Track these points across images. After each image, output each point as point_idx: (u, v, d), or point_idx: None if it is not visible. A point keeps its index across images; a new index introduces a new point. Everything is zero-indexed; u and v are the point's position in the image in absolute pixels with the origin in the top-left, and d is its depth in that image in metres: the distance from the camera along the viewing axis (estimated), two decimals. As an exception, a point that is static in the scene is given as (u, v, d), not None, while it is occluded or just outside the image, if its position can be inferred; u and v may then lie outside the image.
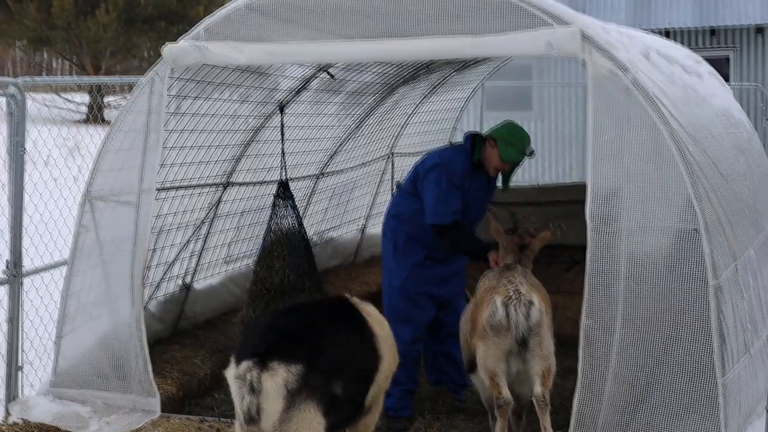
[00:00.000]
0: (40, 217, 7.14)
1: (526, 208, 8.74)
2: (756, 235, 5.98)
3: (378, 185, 10.91)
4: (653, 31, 14.31)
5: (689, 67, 6.42)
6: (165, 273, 7.53)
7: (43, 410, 6.02)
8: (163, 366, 6.94)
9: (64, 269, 6.47)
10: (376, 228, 10.86)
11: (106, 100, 29.81)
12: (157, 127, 5.86)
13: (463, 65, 9.60)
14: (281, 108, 7.82)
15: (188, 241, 7.71)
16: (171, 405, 6.41)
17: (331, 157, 9.53)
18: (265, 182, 8.36)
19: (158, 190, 6.48)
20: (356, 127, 9.54)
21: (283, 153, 7.87)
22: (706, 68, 7.18)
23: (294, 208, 7.83)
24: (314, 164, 9.33)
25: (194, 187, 7.47)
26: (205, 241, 7.97)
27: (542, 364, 5.31)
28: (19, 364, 6.31)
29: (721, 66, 16.31)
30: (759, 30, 17.42)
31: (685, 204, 4.84)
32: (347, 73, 8.15)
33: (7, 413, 6.11)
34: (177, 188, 7.21)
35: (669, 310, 4.87)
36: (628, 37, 5.57)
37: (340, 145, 9.54)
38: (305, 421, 4.44)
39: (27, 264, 6.46)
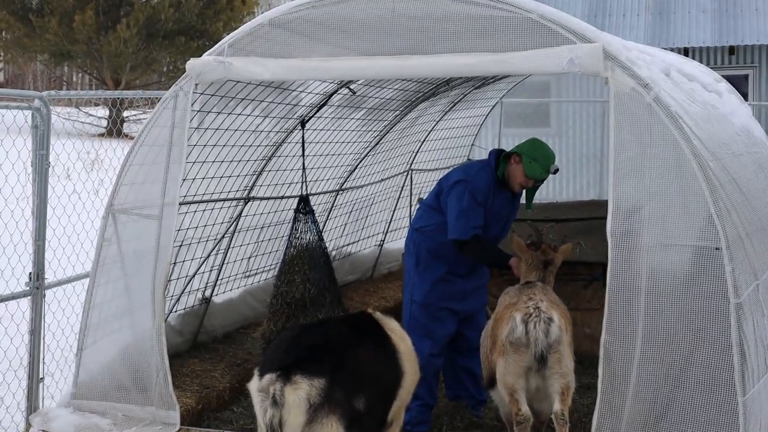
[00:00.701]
0: (63, 230, 7.20)
1: (544, 225, 8.73)
2: (777, 253, 5.97)
3: (397, 201, 10.94)
4: (672, 50, 14.32)
5: (709, 85, 6.43)
6: (185, 286, 7.57)
7: (63, 422, 6.06)
8: (183, 379, 6.97)
9: (85, 282, 6.52)
10: (394, 243, 10.90)
11: (125, 114, 29.98)
12: (180, 142, 5.91)
13: (482, 82, 9.64)
14: (302, 123, 7.86)
15: (209, 255, 7.75)
16: (189, 418, 6.43)
17: (351, 172, 9.57)
18: (285, 197, 8.40)
19: (180, 204, 6.53)
20: (376, 143, 9.58)
21: (303, 168, 7.91)
22: (726, 86, 7.19)
23: (314, 222, 7.86)
24: (334, 179, 9.37)
25: (215, 201, 7.51)
26: (225, 255, 8.01)
27: (561, 381, 5.32)
28: (41, 376, 6.36)
29: (739, 84, 16.28)
30: (778, 48, 17.41)
31: (706, 221, 4.84)
32: (368, 89, 8.19)
33: (28, 425, 6.16)
34: (198, 202, 7.25)
35: (689, 327, 4.87)
36: (648, 55, 5.59)
37: (360, 160, 9.57)
38: (327, 436, 4.46)
39: (49, 276, 6.51)
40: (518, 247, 6.14)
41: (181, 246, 7.21)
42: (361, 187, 10.01)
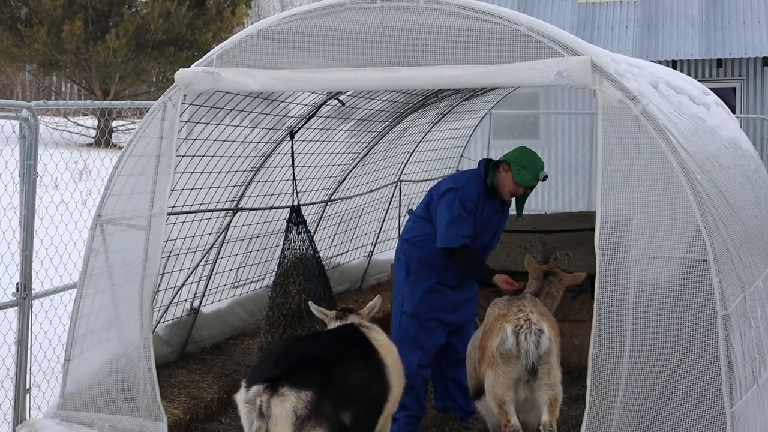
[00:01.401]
0: (51, 241, 7.18)
1: (533, 236, 8.75)
2: (764, 265, 6.00)
3: (386, 212, 10.95)
4: (660, 62, 14.40)
5: (697, 98, 6.46)
6: (174, 297, 7.55)
7: (50, 433, 6.03)
8: (171, 390, 6.95)
9: (73, 292, 6.50)
10: (383, 254, 10.90)
11: (114, 124, 29.94)
12: (168, 152, 5.90)
13: (471, 93, 9.66)
14: (291, 134, 7.86)
15: (197, 266, 7.73)
16: (177, 429, 6.41)
17: (340, 183, 9.57)
18: (274, 208, 8.40)
19: (168, 214, 6.51)
20: (365, 154, 9.59)
21: (294, 178, 7.91)
22: (713, 99, 7.22)
23: (307, 233, 7.86)
24: (323, 190, 9.37)
25: (204, 211, 7.51)
26: (214, 266, 8.00)
27: (550, 392, 5.33)
28: (27, 387, 6.33)
29: (727, 97, 16.37)
30: (765, 61, 17.51)
31: (694, 234, 4.86)
32: (357, 100, 8.20)
33: (15, 435, 6.13)
34: (187, 213, 7.24)
35: (677, 339, 4.89)
36: (637, 67, 5.61)
37: (349, 171, 9.58)
38: (313, 448, 4.45)
39: (36, 287, 6.49)
40: (528, 264, 6.27)
41: (169, 256, 7.20)
42: (350, 198, 10.01)
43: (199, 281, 7.92)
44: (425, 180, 11.15)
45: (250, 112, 7.12)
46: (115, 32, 29.77)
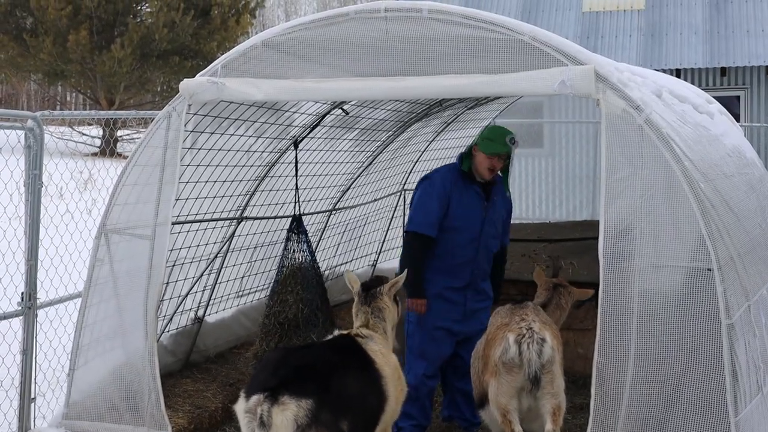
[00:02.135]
0: (56, 250, 7.19)
1: (537, 245, 8.77)
2: (768, 274, 6.00)
3: (390, 221, 10.95)
4: (664, 71, 14.41)
5: (700, 106, 6.46)
6: (178, 306, 7.56)
7: (55, 442, 6.04)
8: (175, 399, 6.95)
9: (77, 302, 6.51)
10: (387, 263, 10.90)
11: (119, 133, 30.01)
12: (173, 162, 5.91)
13: (475, 103, 9.68)
14: (295, 143, 7.88)
15: (202, 275, 7.74)
16: (182, 438, 6.42)
17: (344, 192, 9.58)
18: (278, 217, 8.41)
19: (173, 223, 6.53)
20: (369, 163, 9.60)
21: (297, 188, 7.92)
22: (717, 107, 7.23)
23: (307, 242, 7.87)
24: (327, 199, 9.38)
25: (208, 221, 7.52)
26: (218, 275, 8.01)
27: (553, 401, 5.32)
28: (32, 396, 6.34)
29: (731, 105, 16.38)
30: (770, 70, 17.52)
31: (697, 242, 4.86)
32: (361, 110, 8.22)
33: (20, 445, 6.14)
34: (191, 222, 7.26)
35: (681, 348, 4.88)
36: (640, 76, 5.62)
37: (353, 180, 9.59)
38: (314, 457, 4.45)
39: (41, 296, 6.51)
40: (537, 276, 6.35)
41: (174, 266, 7.21)
42: (354, 207, 10.02)
43: (204, 290, 7.93)
44: (429, 189, 11.14)
45: (255, 122, 7.14)
46: (120, 42, 29.91)
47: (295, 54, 5.72)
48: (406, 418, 6.18)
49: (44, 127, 6.34)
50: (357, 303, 5.64)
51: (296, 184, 7.92)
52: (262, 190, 8.06)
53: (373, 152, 9.53)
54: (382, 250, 11.00)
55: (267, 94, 5.78)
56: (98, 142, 29.44)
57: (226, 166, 7.28)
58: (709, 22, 17.92)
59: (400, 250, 11.04)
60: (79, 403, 6.20)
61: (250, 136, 7.31)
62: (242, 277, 8.48)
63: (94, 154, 25.16)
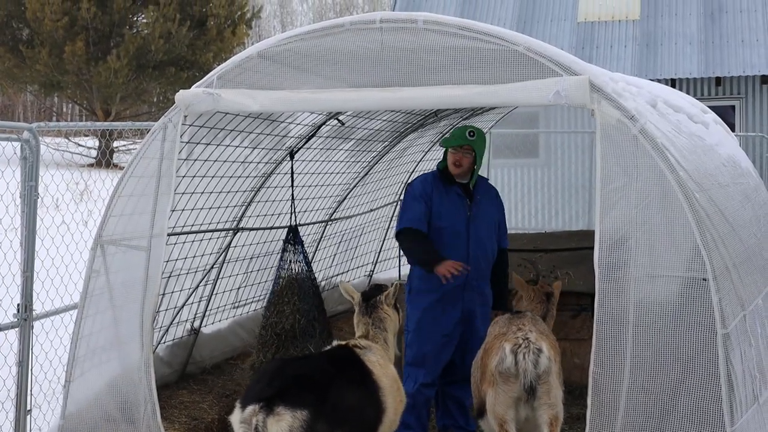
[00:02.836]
0: (51, 262, 7.19)
1: (533, 255, 8.76)
2: (763, 283, 6.00)
3: (386, 231, 10.96)
4: (659, 81, 14.44)
5: (695, 116, 6.48)
6: (174, 317, 7.55)
7: (51, 454, 6.02)
8: (171, 411, 6.94)
9: (73, 313, 6.50)
10: (383, 273, 10.90)
11: (115, 144, 30.01)
12: (169, 173, 5.91)
13: (471, 113, 9.70)
14: (291, 154, 7.89)
15: (198, 286, 7.74)
16: (178, 450, 6.41)
17: (340, 202, 9.59)
18: (274, 227, 8.41)
19: (169, 235, 6.52)
20: (365, 174, 9.61)
21: (293, 198, 7.93)
22: (712, 117, 7.24)
23: (304, 253, 7.87)
24: (323, 210, 9.38)
25: (204, 232, 7.52)
26: (214, 286, 8.00)
27: (550, 411, 5.32)
28: (28, 408, 6.32)
29: (726, 115, 16.40)
30: (764, 79, 17.56)
31: (693, 252, 4.86)
32: (357, 120, 8.23)
33: (15, 457, 6.12)
34: (187, 233, 7.25)
35: (677, 358, 4.88)
36: (635, 86, 5.64)
37: (349, 191, 9.60)
38: (309, 468, 4.44)
39: (37, 308, 6.49)
40: (518, 284, 6.26)
41: (169, 277, 7.20)
42: (351, 217, 10.03)
43: (200, 301, 7.93)
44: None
45: (251, 133, 7.15)
46: (117, 53, 29.92)
47: (290, 65, 5.73)
48: (402, 427, 6.15)
49: (40, 138, 6.34)
50: (357, 314, 5.63)
51: (292, 194, 7.92)
52: (258, 201, 8.06)
53: (369, 163, 9.54)
54: (378, 260, 11.00)
55: (263, 105, 5.78)
56: (94, 153, 29.41)
57: (222, 176, 7.28)
58: (704, 32, 17.97)
59: (396, 261, 11.01)
60: (75, 415, 6.18)
61: (245, 147, 7.32)
62: (238, 288, 8.47)
63: (91, 165, 25.16)
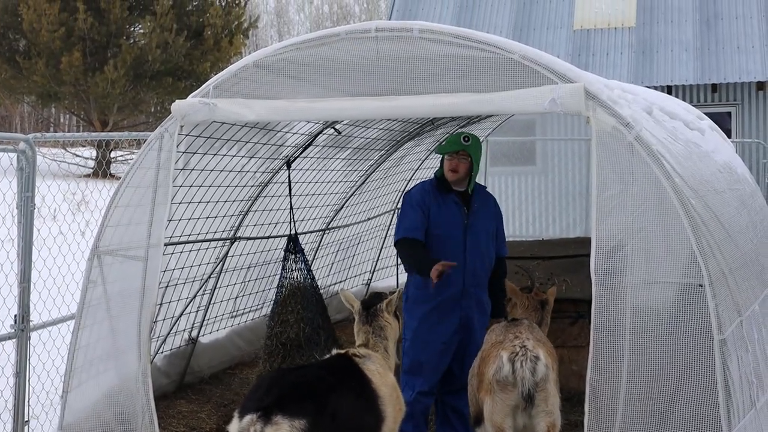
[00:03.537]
0: (48, 272, 7.18)
1: (530, 262, 8.76)
2: (760, 289, 6.01)
3: (384, 239, 10.97)
4: (655, 88, 14.46)
5: (691, 123, 6.49)
6: (172, 327, 7.55)
7: (48, 465, 6.02)
8: (169, 420, 6.94)
9: (71, 324, 6.50)
10: (381, 282, 10.91)
11: (112, 154, 30.01)
12: (165, 183, 5.91)
13: (467, 121, 9.71)
14: (288, 163, 7.90)
15: (195, 296, 7.74)
16: (177, 460, 6.40)
17: (338, 211, 9.59)
18: (271, 237, 8.42)
19: (166, 244, 6.52)
20: (362, 182, 9.62)
21: (291, 207, 7.93)
22: (708, 124, 7.25)
23: (305, 261, 7.88)
24: (320, 219, 9.39)
25: (201, 241, 7.52)
26: (212, 296, 8.00)
27: (548, 419, 5.31)
28: (26, 419, 6.32)
29: (722, 121, 16.43)
30: (760, 86, 17.59)
31: (689, 258, 4.87)
32: (354, 129, 8.24)
33: (13, 468, 6.11)
34: (185, 243, 7.26)
35: (674, 364, 4.88)
36: (631, 93, 5.65)
37: (346, 199, 9.61)
38: (307, 477, 4.43)
39: (35, 318, 6.49)
40: (512, 292, 6.23)
41: (167, 287, 7.20)
42: (348, 226, 10.03)
43: (197, 311, 7.93)
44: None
45: (247, 142, 7.16)
46: (114, 63, 29.94)
47: (286, 74, 5.74)
48: (401, 437, 6.16)
49: (37, 149, 6.34)
50: (358, 322, 5.63)
51: (290, 203, 7.93)
52: (256, 210, 8.07)
53: (366, 171, 9.55)
54: (376, 268, 11.00)
55: (259, 114, 5.78)
56: (91, 163, 29.43)
57: (219, 186, 7.29)
58: (699, 39, 18.01)
59: (394, 269, 10.99)
60: (72, 425, 6.17)
61: (242, 157, 7.33)
62: (236, 298, 8.48)
63: (87, 176, 25.16)
